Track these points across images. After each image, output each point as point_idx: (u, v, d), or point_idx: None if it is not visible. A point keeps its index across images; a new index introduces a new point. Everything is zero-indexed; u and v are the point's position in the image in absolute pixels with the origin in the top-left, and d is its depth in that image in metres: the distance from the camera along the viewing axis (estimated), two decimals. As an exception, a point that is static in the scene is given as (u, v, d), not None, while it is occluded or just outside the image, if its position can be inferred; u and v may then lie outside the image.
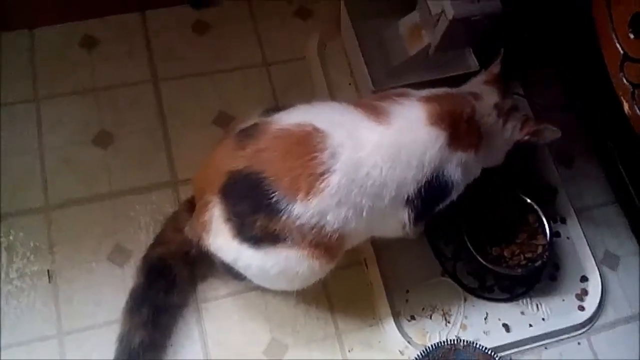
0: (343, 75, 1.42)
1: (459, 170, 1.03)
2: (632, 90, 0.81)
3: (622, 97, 0.83)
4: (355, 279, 1.24)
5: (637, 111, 0.81)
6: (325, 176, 0.93)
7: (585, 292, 1.29)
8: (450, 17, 1.19)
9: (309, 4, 1.49)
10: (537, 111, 1.41)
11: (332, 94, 1.38)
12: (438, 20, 1.24)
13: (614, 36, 0.82)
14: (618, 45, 0.82)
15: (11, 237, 1.19)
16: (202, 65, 1.39)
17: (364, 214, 0.97)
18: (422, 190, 1.00)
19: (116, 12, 1.41)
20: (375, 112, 1.01)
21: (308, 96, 1.38)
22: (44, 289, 1.15)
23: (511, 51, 1.38)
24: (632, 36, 0.79)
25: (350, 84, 1.41)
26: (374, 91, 1.26)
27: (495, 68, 1.16)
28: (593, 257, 1.32)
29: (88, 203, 1.23)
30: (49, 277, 1.17)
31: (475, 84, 1.15)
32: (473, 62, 1.32)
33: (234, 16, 1.45)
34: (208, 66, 1.39)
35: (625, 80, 0.82)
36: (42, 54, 1.36)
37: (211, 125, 1.33)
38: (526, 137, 1.12)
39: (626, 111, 0.83)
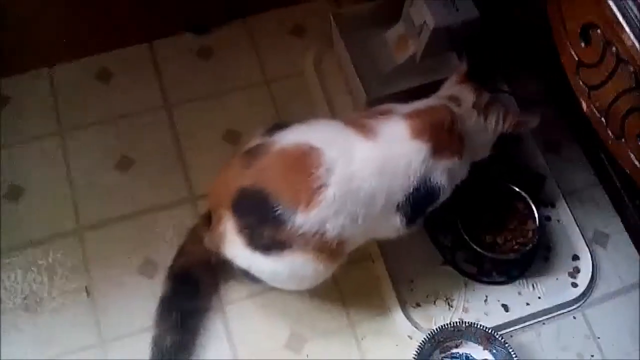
0: (339, 87, 1.50)
1: (444, 176, 1.11)
2: (587, 91, 0.90)
3: (580, 98, 0.92)
4: (364, 273, 1.33)
5: (594, 110, 0.90)
6: (322, 189, 1.02)
7: (577, 270, 1.37)
8: (431, 27, 1.29)
9: (303, 21, 1.57)
10: (523, 105, 1.49)
11: (330, 105, 1.46)
12: (421, 30, 1.33)
13: (568, 44, 0.91)
14: (573, 52, 0.91)
15: (50, 259, 1.28)
16: (208, 88, 1.48)
17: (359, 220, 1.06)
18: (411, 197, 1.09)
19: (126, 45, 1.51)
20: (364, 129, 1.10)
21: (308, 109, 1.46)
22: (84, 304, 1.25)
23: (494, 51, 1.48)
24: (583, 44, 0.89)
25: (346, 94, 1.49)
26: (367, 100, 1.35)
27: (462, 68, 1.24)
28: (583, 236, 1.39)
29: (116, 222, 1.33)
30: (87, 293, 1.27)
31: (450, 87, 1.23)
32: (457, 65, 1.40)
33: (234, 39, 1.54)
34: (214, 88, 1.48)
35: (581, 83, 0.91)
36: (62, 89, 1.45)
37: (221, 143, 1.42)
38: (510, 129, 1.20)
39: (585, 110, 0.92)
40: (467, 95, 1.19)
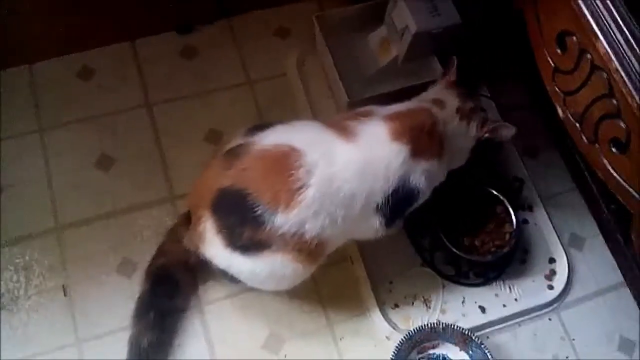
0: (322, 89, 1.51)
1: (423, 178, 1.12)
2: (563, 97, 0.92)
3: (556, 104, 0.94)
4: (343, 274, 1.33)
5: (569, 116, 0.92)
6: (302, 190, 1.03)
7: (553, 273, 1.39)
8: (413, 31, 1.30)
9: (287, 23, 1.58)
10: (503, 110, 1.52)
11: (313, 107, 1.47)
12: (403, 34, 1.35)
13: (545, 51, 0.93)
14: (549, 59, 0.93)
15: (27, 258, 1.28)
16: (191, 88, 1.48)
17: (339, 221, 1.07)
18: (390, 198, 1.10)
19: (109, 43, 1.50)
20: (344, 131, 1.11)
21: (290, 110, 1.47)
22: (61, 303, 1.25)
23: (475, 56, 1.49)
24: (559, 51, 0.90)
25: (329, 96, 1.50)
26: (349, 102, 1.36)
27: (452, 76, 1.25)
28: (559, 240, 1.41)
29: (95, 222, 1.32)
30: (64, 292, 1.26)
31: (437, 91, 1.24)
32: (439, 69, 1.41)
33: (218, 40, 1.54)
34: (197, 88, 1.48)
35: (557, 89, 0.93)
36: (43, 87, 1.44)
37: (202, 143, 1.43)
38: (485, 135, 1.21)
39: (560, 116, 0.94)
40: (452, 100, 1.21)
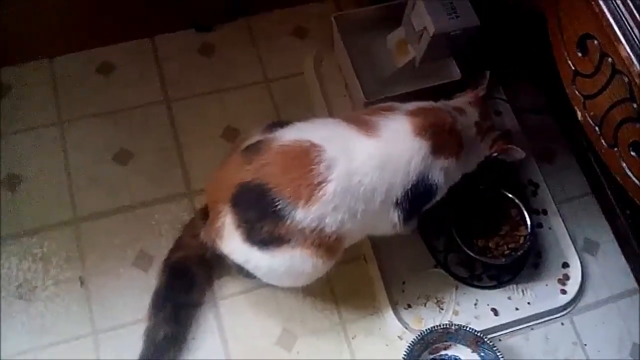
0: (338, 88, 1.52)
1: (441, 175, 1.13)
2: (583, 101, 0.93)
3: (575, 107, 0.94)
4: (356, 273, 1.34)
5: (588, 119, 0.92)
6: (323, 185, 1.04)
7: (566, 277, 1.39)
8: (431, 32, 1.30)
9: (305, 23, 1.60)
10: (519, 113, 1.53)
11: (329, 106, 1.48)
12: (421, 35, 1.35)
13: (566, 54, 0.93)
14: (570, 62, 0.93)
15: (45, 249, 1.30)
16: (209, 85, 1.50)
17: (358, 216, 1.08)
18: (409, 193, 1.11)
19: (128, 39, 1.52)
20: (365, 126, 1.11)
21: (307, 109, 1.48)
22: (78, 294, 1.27)
23: (492, 59, 1.50)
24: (580, 54, 0.91)
25: (345, 96, 1.51)
26: (366, 102, 1.37)
27: (480, 91, 1.26)
28: (573, 244, 1.42)
29: (113, 215, 1.34)
30: (81, 283, 1.28)
31: (461, 102, 1.25)
32: (456, 71, 1.42)
33: (236, 38, 1.56)
34: (214, 85, 1.50)
35: (577, 92, 0.93)
36: (63, 81, 1.47)
37: (219, 139, 1.44)
38: (494, 154, 1.23)
39: (580, 119, 0.94)
40: (473, 113, 1.22)
